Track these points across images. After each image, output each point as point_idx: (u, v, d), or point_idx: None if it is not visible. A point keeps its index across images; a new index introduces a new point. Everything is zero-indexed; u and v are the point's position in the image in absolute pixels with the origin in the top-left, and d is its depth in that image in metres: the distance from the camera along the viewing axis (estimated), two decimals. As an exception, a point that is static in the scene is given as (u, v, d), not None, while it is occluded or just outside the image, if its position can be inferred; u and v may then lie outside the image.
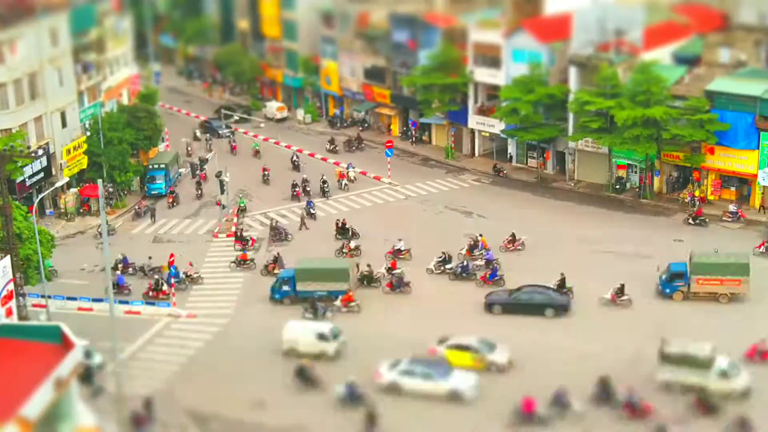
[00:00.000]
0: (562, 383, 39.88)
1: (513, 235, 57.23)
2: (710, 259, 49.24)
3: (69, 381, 31.19)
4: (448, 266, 53.72)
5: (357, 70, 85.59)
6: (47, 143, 65.23)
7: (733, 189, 64.07)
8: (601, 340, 45.42)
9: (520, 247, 56.97)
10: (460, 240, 57.60)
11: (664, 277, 50.04)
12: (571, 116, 67.68)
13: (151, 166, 72.12)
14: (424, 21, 78.36)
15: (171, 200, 68.10)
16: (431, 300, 50.97)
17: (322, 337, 44.64)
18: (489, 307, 49.11)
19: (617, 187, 67.13)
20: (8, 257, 44.37)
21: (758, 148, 60.76)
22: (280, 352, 45.18)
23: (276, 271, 54.04)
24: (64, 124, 67.54)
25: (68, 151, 66.48)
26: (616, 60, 66.32)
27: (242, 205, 65.79)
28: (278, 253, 55.86)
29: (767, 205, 61.68)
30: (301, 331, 45.25)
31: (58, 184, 59.19)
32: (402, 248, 56.02)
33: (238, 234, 60.14)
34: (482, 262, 53.86)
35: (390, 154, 73.36)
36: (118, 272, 54.61)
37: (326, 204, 67.43)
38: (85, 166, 68.29)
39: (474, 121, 75.42)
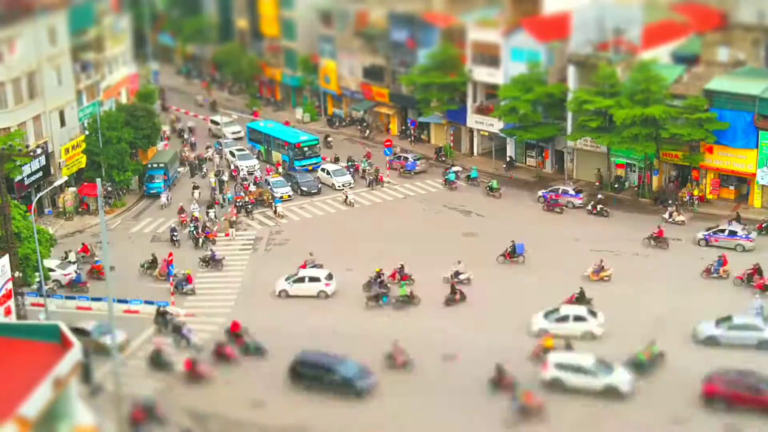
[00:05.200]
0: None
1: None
2: None
3: (67, 380, 31.17)
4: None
5: (356, 69, 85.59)
6: (46, 142, 65.20)
7: (731, 188, 64.12)
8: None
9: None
10: (459, 239, 57.61)
11: None
12: (569, 115, 67.69)
13: (150, 165, 72.13)
14: (423, 20, 78.38)
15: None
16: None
17: None
18: None
19: (616, 186, 67.15)
20: (7, 256, 44.35)
21: (757, 147, 60.79)
22: (279, 351, 45.18)
23: None
24: (62, 123, 67.52)
25: (67, 150, 66.44)
26: (614, 59, 66.32)
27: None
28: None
29: None
30: None
31: (57, 183, 59.14)
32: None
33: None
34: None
35: (389, 153, 73.39)
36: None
37: (324, 203, 67.45)
38: (83, 165, 68.24)
39: (473, 120, 75.43)
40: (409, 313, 49.40)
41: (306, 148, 74.11)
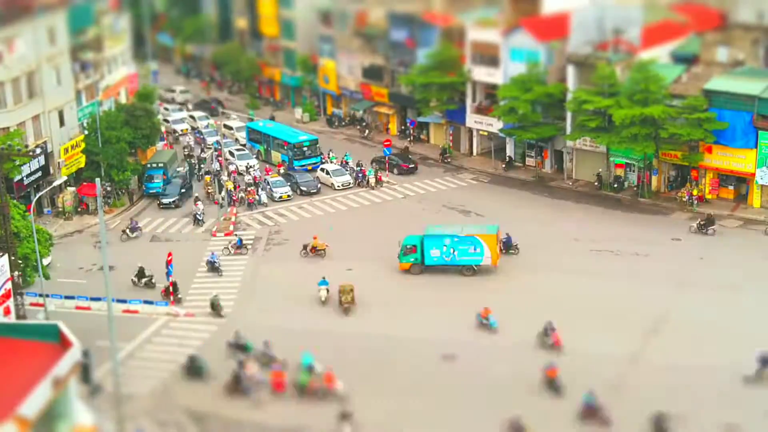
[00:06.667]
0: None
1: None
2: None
3: (67, 380, 31.15)
4: None
5: (355, 68, 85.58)
6: (45, 142, 65.16)
7: (731, 188, 64.13)
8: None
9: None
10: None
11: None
12: (569, 115, 67.70)
13: (149, 165, 72.12)
14: (423, 20, 78.38)
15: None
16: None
17: None
18: None
19: (615, 186, 67.17)
20: (6, 256, 44.36)
21: (756, 147, 60.80)
22: (278, 351, 45.16)
23: None
24: (62, 123, 67.46)
25: (66, 150, 66.38)
26: (614, 59, 66.33)
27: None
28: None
29: None
30: None
31: (56, 183, 59.14)
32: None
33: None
34: None
35: (388, 152, 73.38)
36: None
37: (323, 203, 67.46)
38: (83, 165, 68.17)
39: (472, 120, 75.44)
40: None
41: (305, 148, 74.17)
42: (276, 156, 76.16)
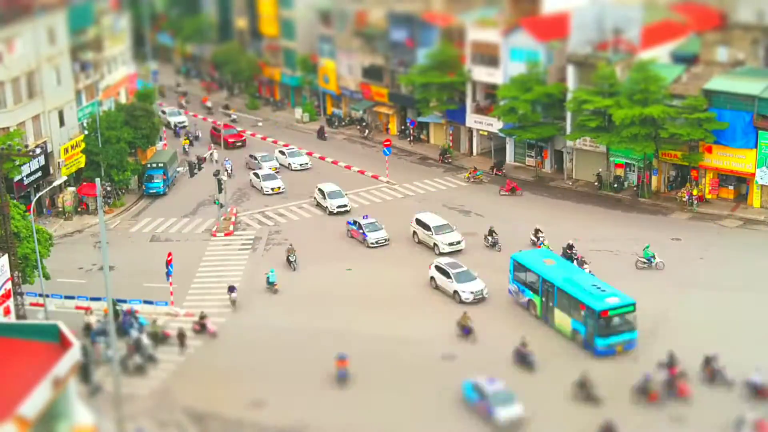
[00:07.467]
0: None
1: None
2: None
3: (67, 380, 31.16)
4: None
5: (355, 68, 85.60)
6: (45, 142, 65.17)
7: (731, 188, 64.14)
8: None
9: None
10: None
11: None
12: (569, 115, 67.74)
13: (149, 165, 72.12)
14: (422, 20, 78.43)
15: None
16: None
17: None
18: None
19: (615, 186, 67.18)
20: (6, 256, 44.39)
21: (756, 147, 60.81)
22: (278, 351, 45.24)
23: None
24: (61, 123, 67.47)
25: (66, 150, 66.42)
26: (614, 59, 66.35)
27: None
28: None
29: None
30: None
31: (56, 183, 59.17)
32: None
33: None
34: None
35: (388, 152, 73.39)
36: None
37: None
38: (83, 165, 68.21)
39: (472, 119, 75.46)
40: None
41: (616, 318, 43.84)
42: (562, 319, 45.84)
